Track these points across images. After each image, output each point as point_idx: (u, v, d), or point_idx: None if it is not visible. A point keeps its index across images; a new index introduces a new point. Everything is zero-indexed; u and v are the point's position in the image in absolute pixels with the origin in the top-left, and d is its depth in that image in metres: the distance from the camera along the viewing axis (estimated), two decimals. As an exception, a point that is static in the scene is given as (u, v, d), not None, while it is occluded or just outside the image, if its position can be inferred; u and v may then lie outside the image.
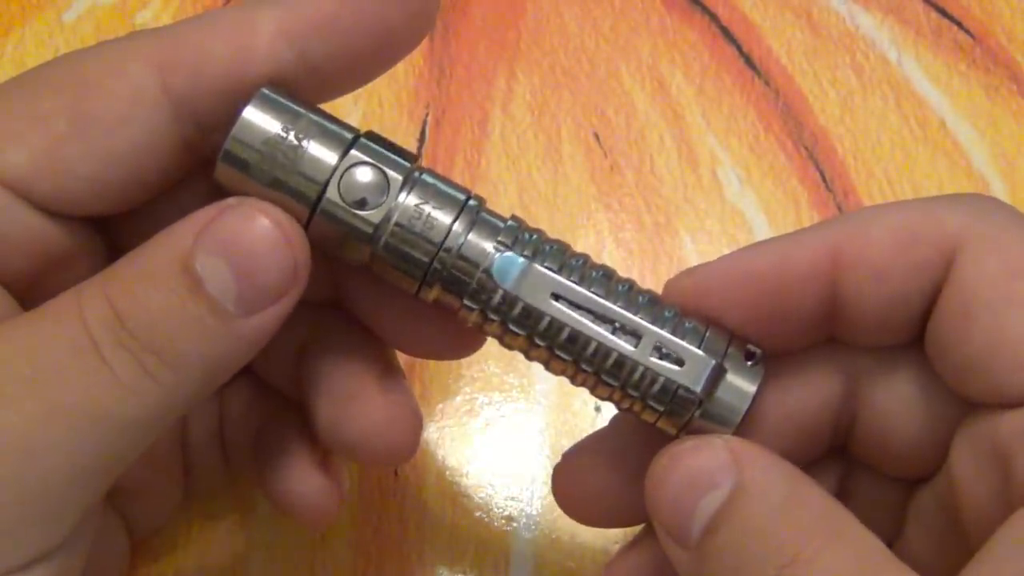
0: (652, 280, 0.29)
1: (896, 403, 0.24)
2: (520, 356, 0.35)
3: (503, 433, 0.34)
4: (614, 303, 0.23)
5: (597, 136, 0.39)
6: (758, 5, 0.42)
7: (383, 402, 0.25)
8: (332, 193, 0.23)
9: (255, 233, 0.22)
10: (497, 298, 0.23)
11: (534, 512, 0.32)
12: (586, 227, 0.37)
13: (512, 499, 0.33)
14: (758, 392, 0.23)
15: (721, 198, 0.38)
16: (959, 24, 0.41)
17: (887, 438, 0.24)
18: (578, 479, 0.26)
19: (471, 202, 0.23)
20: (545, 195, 0.38)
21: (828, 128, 0.39)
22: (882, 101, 0.40)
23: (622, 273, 0.24)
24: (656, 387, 0.23)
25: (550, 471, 0.33)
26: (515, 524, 0.32)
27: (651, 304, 0.23)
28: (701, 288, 0.23)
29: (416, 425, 0.26)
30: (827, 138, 0.39)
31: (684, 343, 0.23)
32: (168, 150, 0.24)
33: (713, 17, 0.42)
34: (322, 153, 0.23)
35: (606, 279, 0.23)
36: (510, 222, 0.24)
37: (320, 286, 0.26)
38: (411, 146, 0.39)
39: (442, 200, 0.23)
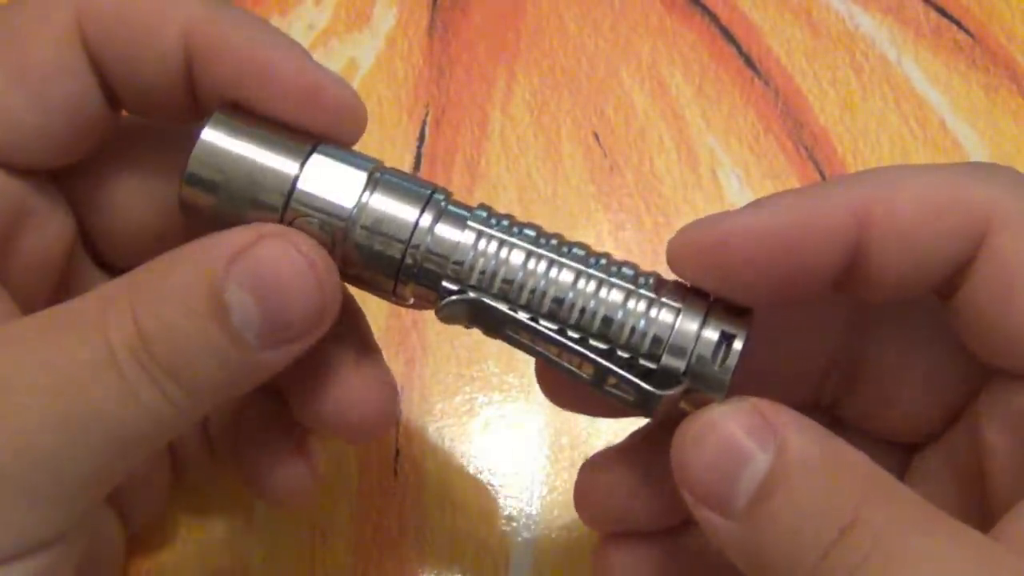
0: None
1: (907, 361, 0.24)
2: (520, 356, 0.35)
3: (503, 433, 0.34)
4: (571, 320, 0.23)
5: (597, 136, 0.39)
6: (758, 5, 0.42)
7: (355, 375, 0.25)
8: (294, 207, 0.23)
9: (288, 272, 0.22)
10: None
11: (534, 512, 0.32)
12: (586, 227, 0.37)
13: (512, 499, 0.33)
14: (735, 371, 0.23)
15: (721, 198, 0.38)
16: (959, 24, 0.41)
17: (893, 397, 0.24)
18: (602, 491, 0.26)
19: (436, 196, 0.24)
20: (545, 195, 0.38)
21: (828, 128, 0.39)
22: (882, 101, 0.40)
23: None
24: (621, 401, 0.23)
25: (550, 471, 0.33)
26: (515, 524, 0.32)
27: (616, 298, 0.23)
28: (718, 244, 0.22)
29: (391, 398, 0.26)
30: (827, 138, 0.39)
31: (633, 379, 0.22)
32: (98, 99, 0.24)
33: (713, 17, 0.42)
34: (281, 167, 0.23)
35: (571, 276, 0.23)
36: (477, 211, 0.24)
37: None
38: (411, 146, 0.39)
39: (407, 197, 0.23)
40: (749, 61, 0.41)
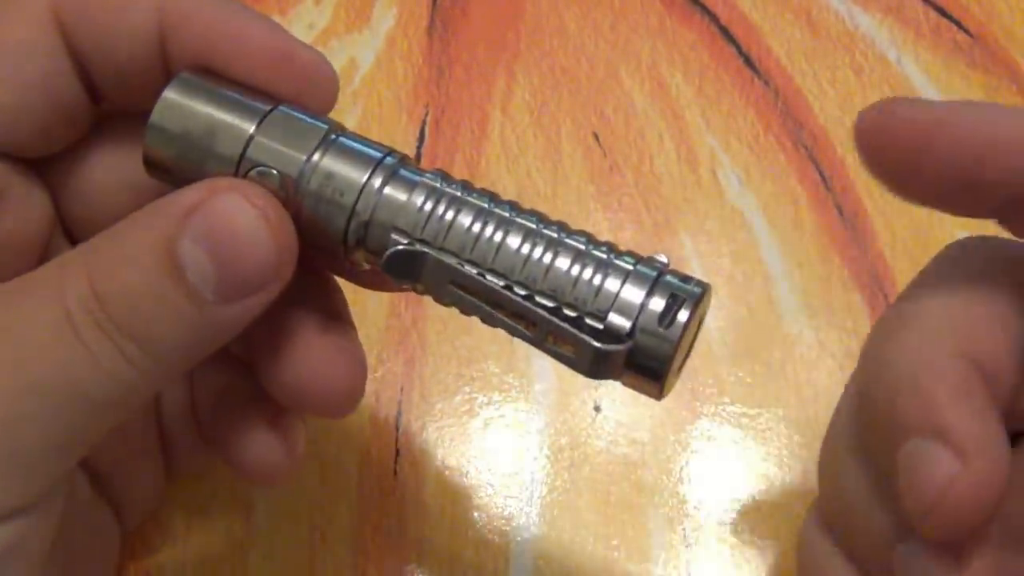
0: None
1: None
2: (519, 356, 0.35)
3: (503, 433, 0.34)
4: (517, 277, 0.23)
5: (596, 136, 0.39)
6: (757, 5, 0.42)
7: (320, 345, 0.25)
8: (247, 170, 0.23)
9: (241, 224, 0.22)
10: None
11: (534, 512, 0.32)
12: (585, 227, 0.37)
13: (512, 499, 0.33)
14: (681, 341, 0.22)
15: (721, 198, 0.38)
16: (958, 24, 0.41)
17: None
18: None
19: (389, 159, 0.23)
20: (544, 195, 0.38)
21: (828, 128, 0.39)
22: (882, 101, 0.40)
23: None
24: (564, 360, 0.23)
25: (550, 471, 0.33)
26: (515, 524, 0.32)
27: (566, 263, 0.23)
28: (922, 130, 0.21)
29: (358, 370, 0.26)
30: (826, 138, 0.39)
31: (574, 332, 0.22)
32: (74, 84, 0.24)
33: (712, 17, 0.42)
34: (237, 127, 0.23)
35: (521, 238, 0.23)
36: (430, 175, 0.23)
37: None
38: (411, 146, 0.39)
39: (359, 158, 0.23)
40: (749, 61, 0.41)
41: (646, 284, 0.22)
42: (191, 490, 0.32)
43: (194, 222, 0.21)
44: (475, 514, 0.32)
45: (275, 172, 0.23)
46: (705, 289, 0.23)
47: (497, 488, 0.33)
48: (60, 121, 0.25)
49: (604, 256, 0.23)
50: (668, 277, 0.23)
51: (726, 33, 0.41)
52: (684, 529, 0.32)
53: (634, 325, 0.22)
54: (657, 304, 0.22)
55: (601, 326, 0.22)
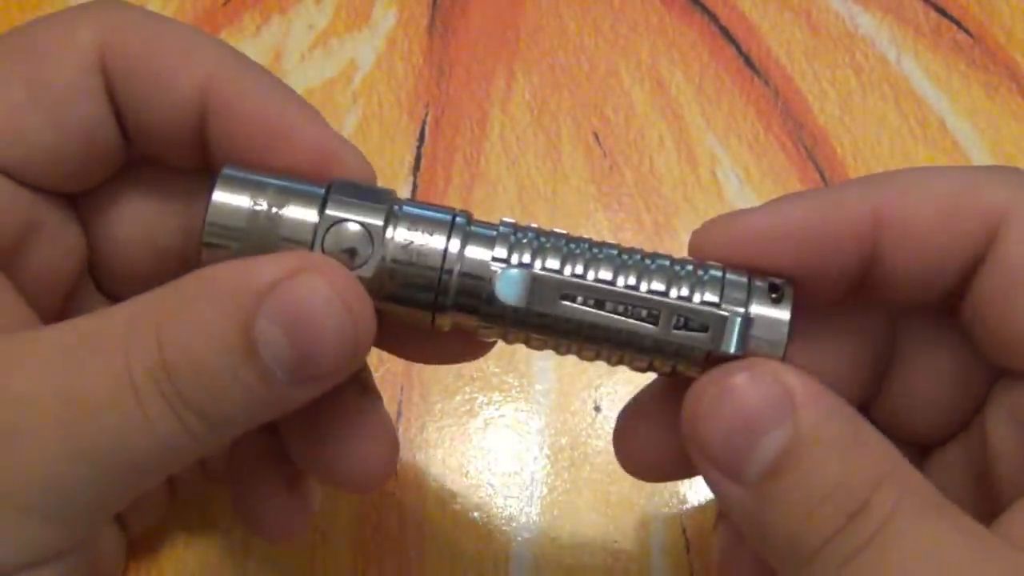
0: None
1: (931, 364, 0.24)
2: (519, 356, 0.35)
3: (503, 433, 0.34)
4: (624, 283, 0.23)
5: (596, 136, 0.39)
6: (757, 5, 0.42)
7: (358, 427, 0.25)
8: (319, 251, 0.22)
9: (322, 309, 0.21)
10: (510, 313, 0.23)
11: (534, 512, 0.32)
12: (586, 227, 0.37)
13: (512, 499, 0.33)
14: (792, 320, 0.23)
15: (721, 198, 0.38)
16: (958, 23, 0.41)
17: (916, 400, 0.24)
18: (638, 440, 0.26)
19: (459, 219, 0.23)
20: (544, 195, 0.38)
21: (828, 128, 0.39)
22: (882, 101, 0.40)
23: None
24: (688, 354, 0.23)
25: (550, 471, 0.33)
26: (515, 524, 0.32)
27: (662, 269, 0.23)
28: (736, 240, 0.23)
29: (392, 452, 0.25)
30: (827, 138, 0.39)
31: (702, 307, 0.22)
32: (112, 128, 0.24)
33: (712, 17, 0.42)
34: (299, 214, 0.23)
35: (612, 257, 0.23)
36: (502, 228, 0.23)
37: None
38: (411, 146, 0.39)
39: (430, 226, 0.23)
40: (749, 61, 0.41)
41: (743, 281, 0.23)
42: (192, 492, 0.32)
43: (273, 302, 0.21)
44: (475, 514, 0.32)
45: (350, 248, 0.22)
46: (791, 280, 0.23)
47: (497, 488, 0.33)
48: (96, 160, 0.25)
49: (693, 269, 0.23)
50: (758, 280, 0.23)
51: (726, 33, 0.41)
52: (684, 529, 0.32)
53: (745, 312, 0.22)
54: (762, 291, 0.23)
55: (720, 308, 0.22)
